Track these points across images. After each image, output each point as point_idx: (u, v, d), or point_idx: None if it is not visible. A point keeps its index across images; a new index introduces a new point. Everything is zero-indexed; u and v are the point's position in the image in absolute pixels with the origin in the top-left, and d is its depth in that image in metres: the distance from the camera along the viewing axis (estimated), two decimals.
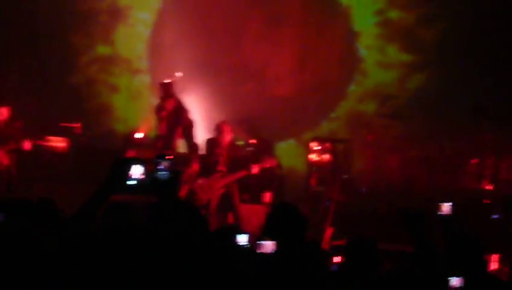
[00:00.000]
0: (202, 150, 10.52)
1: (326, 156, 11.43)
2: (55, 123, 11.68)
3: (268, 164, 9.66)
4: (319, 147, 11.49)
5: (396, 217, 4.03)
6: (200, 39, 13.07)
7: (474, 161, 10.60)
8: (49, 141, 11.32)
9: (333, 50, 13.35)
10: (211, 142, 9.73)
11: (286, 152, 12.66)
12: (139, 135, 11.68)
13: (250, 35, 13.45)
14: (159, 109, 10.94)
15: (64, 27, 13.12)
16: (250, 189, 10.71)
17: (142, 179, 3.39)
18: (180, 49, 12.68)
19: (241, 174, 9.45)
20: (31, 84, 12.80)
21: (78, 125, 11.54)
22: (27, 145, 9.85)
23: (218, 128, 9.72)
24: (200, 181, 9.53)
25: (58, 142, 11.35)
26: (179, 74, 11.29)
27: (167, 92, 10.82)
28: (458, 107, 11.42)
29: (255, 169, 9.46)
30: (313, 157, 11.52)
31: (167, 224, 3.19)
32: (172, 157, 3.60)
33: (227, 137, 9.66)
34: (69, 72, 13.10)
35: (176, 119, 10.79)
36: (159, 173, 3.52)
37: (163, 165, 3.52)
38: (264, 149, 11.59)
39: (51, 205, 4.05)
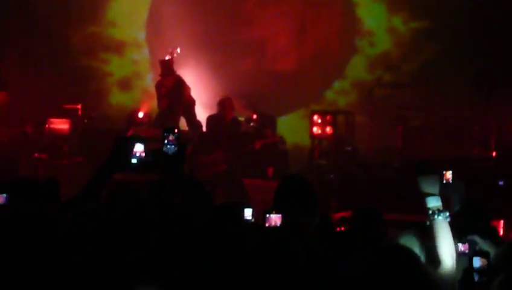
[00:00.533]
0: (203, 127, 10.51)
1: (328, 129, 11.41)
2: (57, 105, 11.66)
3: (271, 139, 9.65)
4: (320, 120, 11.48)
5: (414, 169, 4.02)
6: (197, 15, 13.01)
7: (477, 128, 10.57)
8: (51, 123, 11.35)
9: (333, 21, 13.30)
10: (213, 119, 9.72)
11: (288, 126, 12.63)
12: (140, 114, 11.68)
13: (247, 10, 13.39)
14: (159, 86, 10.95)
15: (63, 6, 13.06)
16: (254, 164, 10.72)
17: (144, 157, 3.38)
18: (178, 25, 12.61)
19: (245, 149, 9.44)
20: (31, 67, 12.75)
21: (79, 106, 11.52)
22: (29, 128, 9.87)
23: (222, 104, 9.68)
24: (203, 157, 9.53)
25: (60, 124, 11.37)
26: (177, 51, 11.25)
27: (167, 69, 10.82)
28: (462, 75, 11.39)
29: (258, 144, 9.45)
30: (315, 130, 11.51)
31: (170, 200, 3.18)
32: (178, 130, 3.56)
33: (230, 113, 9.65)
34: (68, 53, 13.04)
35: (177, 97, 10.80)
36: (166, 146, 3.48)
37: (170, 138, 3.49)
38: (266, 124, 11.58)
39: (55, 185, 4.06)
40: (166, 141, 3.48)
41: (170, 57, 10.95)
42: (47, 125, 11.38)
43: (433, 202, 3.90)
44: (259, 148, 9.61)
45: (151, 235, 3.09)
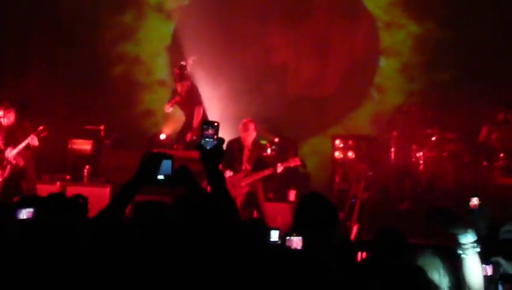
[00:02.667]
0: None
1: (350, 153, 11.39)
2: (79, 126, 11.73)
3: (293, 163, 9.62)
4: (343, 145, 11.45)
5: (425, 216, 3.88)
6: (220, 40, 13.07)
7: (502, 155, 10.43)
8: (73, 143, 11.42)
9: (355, 47, 13.30)
10: (235, 142, 9.72)
11: (310, 150, 12.60)
12: (162, 136, 11.73)
13: (271, 34, 13.44)
14: (173, 95, 11.06)
15: (88, 24, 13.20)
16: (275, 187, 10.70)
17: (170, 174, 3.35)
18: (201, 49, 12.68)
19: (266, 172, 9.42)
20: (55, 86, 12.85)
21: (102, 127, 11.57)
22: (33, 140, 9.86)
23: (245, 126, 9.69)
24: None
25: (82, 145, 11.44)
26: (192, 58, 11.41)
27: (180, 75, 10.92)
28: (485, 101, 11.31)
29: (280, 168, 9.43)
30: (337, 154, 11.48)
31: (198, 213, 3.15)
32: (218, 123, 3.43)
33: (252, 135, 9.65)
34: (91, 73, 13.13)
35: (191, 101, 10.93)
36: (205, 139, 3.39)
37: (210, 132, 3.39)
38: (288, 148, 11.57)
39: (83, 201, 4.07)
40: (204, 134, 3.38)
41: (185, 63, 11.10)
42: (69, 146, 11.45)
43: (467, 238, 3.71)
44: (281, 172, 9.58)
45: (175, 250, 3.07)
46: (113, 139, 11.64)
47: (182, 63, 11.15)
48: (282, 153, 11.00)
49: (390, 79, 13.09)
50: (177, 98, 11.00)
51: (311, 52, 13.36)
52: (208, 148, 3.37)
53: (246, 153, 9.57)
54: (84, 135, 11.55)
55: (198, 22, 13.14)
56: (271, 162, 9.90)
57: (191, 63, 11.35)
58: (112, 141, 11.60)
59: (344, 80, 13.19)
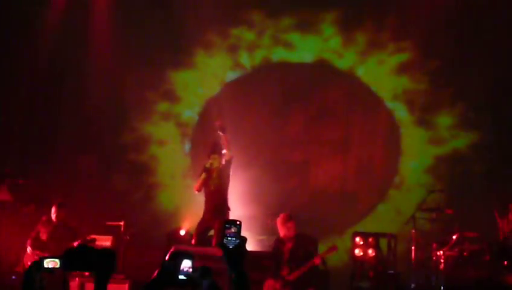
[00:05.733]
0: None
1: (371, 251, 11.31)
2: (99, 222, 11.80)
3: (330, 251, 9.59)
4: (363, 242, 11.39)
5: None
6: (245, 135, 13.22)
7: None
8: (94, 240, 11.45)
9: (376, 143, 13.42)
10: (278, 242, 9.74)
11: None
12: (181, 232, 11.73)
13: (293, 129, 13.62)
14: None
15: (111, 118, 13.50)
16: (294, 285, 10.57)
17: (191, 273, 3.37)
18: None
19: (308, 265, 9.42)
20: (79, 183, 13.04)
21: (122, 223, 11.62)
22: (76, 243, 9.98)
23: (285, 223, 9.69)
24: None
25: (103, 241, 11.45)
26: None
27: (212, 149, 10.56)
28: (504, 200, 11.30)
29: (317, 259, 9.42)
30: (357, 252, 11.40)
31: None
32: (240, 222, 3.45)
33: (292, 233, 9.67)
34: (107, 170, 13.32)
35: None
36: (227, 238, 3.38)
37: (233, 230, 3.39)
38: (307, 244, 11.51)
39: (112, 255, 4.08)
40: (227, 233, 3.38)
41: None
42: (90, 243, 11.47)
43: None
44: (320, 263, 9.54)
45: None
46: (132, 234, 11.65)
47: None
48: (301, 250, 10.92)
49: (410, 178, 13.18)
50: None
51: (332, 147, 13.49)
52: (230, 247, 3.37)
53: (288, 252, 9.55)
54: (105, 231, 11.59)
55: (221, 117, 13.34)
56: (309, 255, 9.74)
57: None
58: (131, 237, 11.61)
59: (365, 177, 13.25)
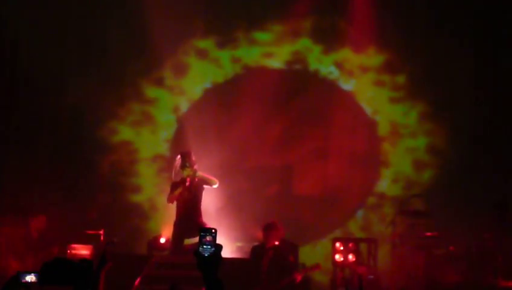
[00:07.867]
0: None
1: (351, 256, 11.32)
2: (79, 231, 11.73)
3: (313, 268, 9.61)
4: (343, 247, 11.40)
5: None
6: (224, 142, 13.21)
7: (500, 257, 10.41)
8: (73, 248, 11.38)
9: (357, 148, 13.47)
10: (257, 249, 9.72)
11: (309, 253, 12.54)
12: (162, 240, 11.68)
13: (273, 137, 13.63)
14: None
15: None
16: None
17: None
18: (203, 152, 12.77)
19: (288, 281, 9.42)
20: (55, 192, 12.94)
21: (101, 232, 11.56)
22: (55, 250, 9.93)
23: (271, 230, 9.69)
24: None
25: (82, 250, 11.39)
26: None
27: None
28: (483, 203, 11.40)
29: (299, 277, 9.42)
30: (338, 257, 11.42)
31: None
32: (216, 230, 3.41)
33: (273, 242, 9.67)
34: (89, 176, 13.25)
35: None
36: (203, 247, 3.36)
37: (208, 239, 3.37)
38: (289, 252, 11.49)
39: (89, 265, 4.07)
40: (202, 241, 3.36)
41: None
42: (68, 251, 11.42)
43: None
44: (300, 281, 9.56)
45: None
46: (113, 243, 11.59)
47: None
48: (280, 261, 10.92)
49: (390, 183, 13.27)
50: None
51: (313, 153, 13.51)
52: (205, 255, 3.36)
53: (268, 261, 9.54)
54: (84, 240, 11.52)
55: (199, 124, 13.32)
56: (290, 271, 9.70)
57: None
58: (111, 246, 11.54)
59: (347, 182, 13.30)
